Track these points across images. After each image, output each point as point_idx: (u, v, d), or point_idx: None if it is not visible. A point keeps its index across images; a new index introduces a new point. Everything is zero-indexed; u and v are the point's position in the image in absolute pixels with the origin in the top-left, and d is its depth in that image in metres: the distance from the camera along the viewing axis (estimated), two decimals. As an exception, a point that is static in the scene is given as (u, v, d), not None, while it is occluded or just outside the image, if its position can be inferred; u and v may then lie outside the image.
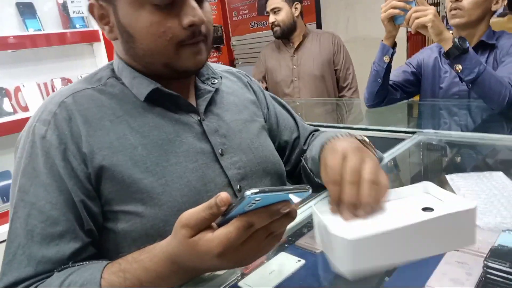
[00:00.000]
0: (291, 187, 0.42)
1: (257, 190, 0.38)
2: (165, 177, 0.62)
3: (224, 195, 0.42)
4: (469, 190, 0.73)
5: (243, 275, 0.59)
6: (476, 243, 0.47)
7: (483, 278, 0.52)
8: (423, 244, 0.43)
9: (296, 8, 2.07)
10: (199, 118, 0.69)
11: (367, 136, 0.65)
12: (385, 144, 1.13)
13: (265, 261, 0.62)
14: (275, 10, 2.04)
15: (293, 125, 0.87)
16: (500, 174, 0.81)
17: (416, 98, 1.61)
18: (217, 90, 0.75)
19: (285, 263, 0.61)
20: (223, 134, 0.71)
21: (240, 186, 0.69)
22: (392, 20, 1.27)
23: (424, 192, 0.53)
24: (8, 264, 0.56)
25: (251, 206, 0.41)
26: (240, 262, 0.46)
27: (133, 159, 0.61)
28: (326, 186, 0.53)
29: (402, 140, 1.12)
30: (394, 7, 1.22)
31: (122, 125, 0.63)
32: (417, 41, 3.12)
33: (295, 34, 2.12)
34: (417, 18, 1.16)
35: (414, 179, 0.96)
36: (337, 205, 0.50)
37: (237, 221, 0.42)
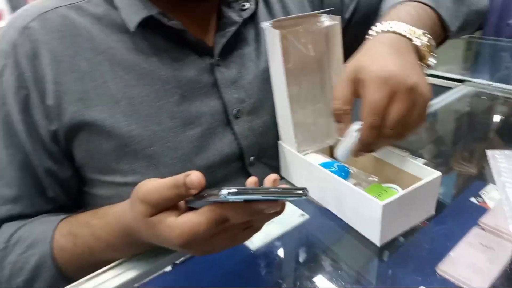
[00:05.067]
0: (284, 189, 0.32)
1: (237, 191, 0.30)
2: (153, 147, 0.49)
3: (195, 177, 0.32)
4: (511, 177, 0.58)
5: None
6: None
7: (510, 271, 0.45)
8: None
9: None
10: (211, 61, 0.53)
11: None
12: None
13: (266, 210, 0.57)
14: None
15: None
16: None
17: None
18: (251, 18, 0.55)
19: (287, 215, 0.57)
20: (242, 86, 0.54)
21: (252, 159, 0.56)
22: None
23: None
24: None
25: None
26: (206, 252, 0.38)
27: (113, 118, 0.48)
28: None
29: (448, 89, 0.95)
30: None
31: (102, 67, 0.48)
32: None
33: None
34: None
35: (444, 148, 0.81)
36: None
37: (210, 211, 0.33)
